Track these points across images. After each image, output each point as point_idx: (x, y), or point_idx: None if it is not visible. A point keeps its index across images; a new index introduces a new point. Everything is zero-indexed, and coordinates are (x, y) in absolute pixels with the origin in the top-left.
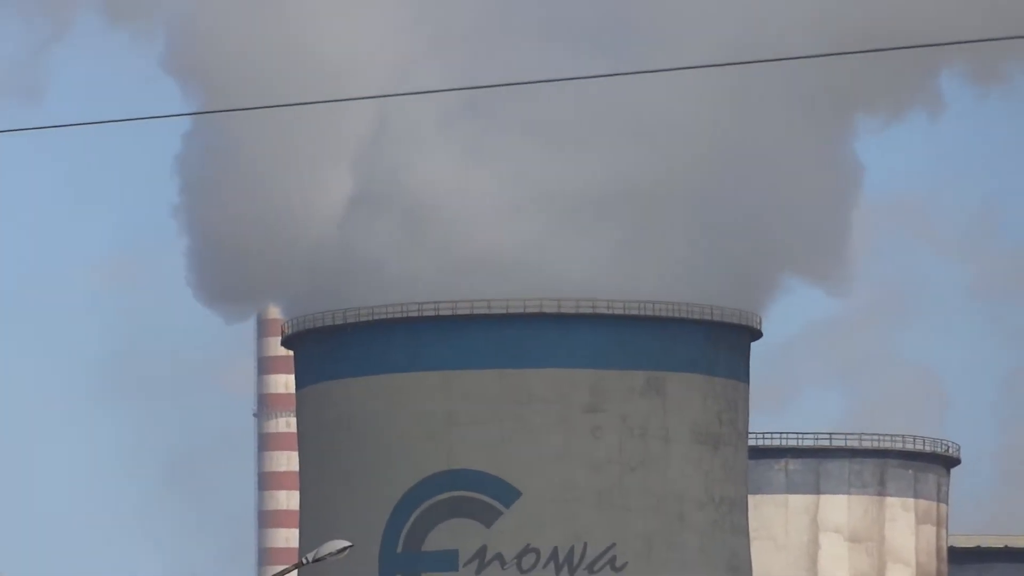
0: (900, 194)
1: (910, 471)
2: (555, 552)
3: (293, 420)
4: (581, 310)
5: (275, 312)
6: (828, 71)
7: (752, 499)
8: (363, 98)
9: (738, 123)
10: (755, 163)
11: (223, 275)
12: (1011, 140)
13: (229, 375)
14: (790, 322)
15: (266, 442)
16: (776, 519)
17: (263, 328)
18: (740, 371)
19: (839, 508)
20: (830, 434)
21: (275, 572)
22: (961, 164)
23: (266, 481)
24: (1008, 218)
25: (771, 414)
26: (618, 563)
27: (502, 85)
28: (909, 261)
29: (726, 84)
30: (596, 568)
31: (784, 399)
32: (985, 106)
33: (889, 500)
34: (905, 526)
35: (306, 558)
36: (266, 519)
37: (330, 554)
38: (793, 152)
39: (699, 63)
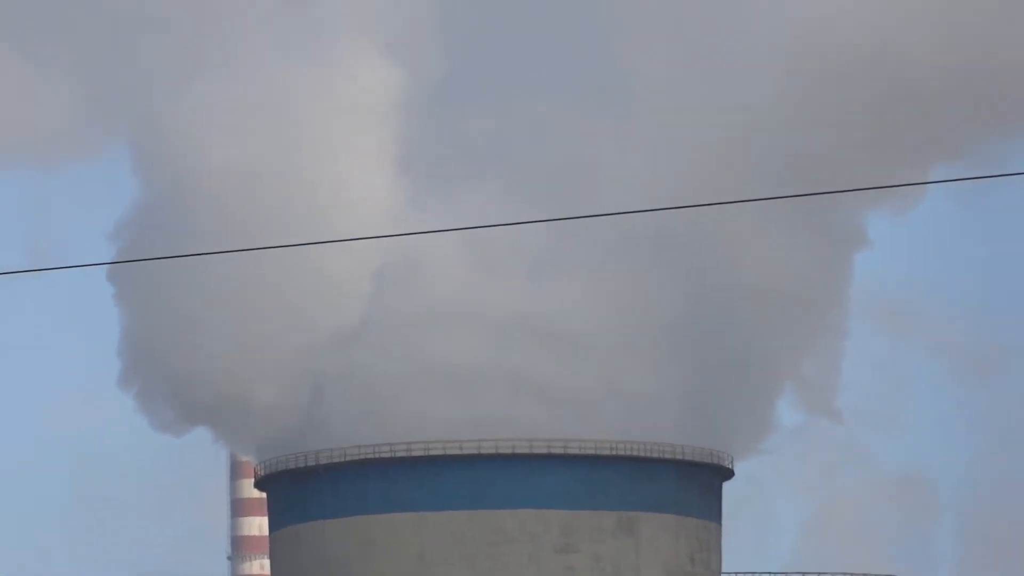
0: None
1: None
2: None
3: (267, 562)
4: (552, 451)
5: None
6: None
7: None
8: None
9: (709, 261)
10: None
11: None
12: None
13: (203, 518)
14: (764, 460)
15: None
16: None
17: (236, 471)
18: (712, 511)
19: None
20: (800, 574)
21: None
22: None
23: None
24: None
25: (744, 553)
26: None
27: (492, 225)
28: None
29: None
30: None
31: (758, 536)
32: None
33: None
34: None
35: None
36: None
37: None
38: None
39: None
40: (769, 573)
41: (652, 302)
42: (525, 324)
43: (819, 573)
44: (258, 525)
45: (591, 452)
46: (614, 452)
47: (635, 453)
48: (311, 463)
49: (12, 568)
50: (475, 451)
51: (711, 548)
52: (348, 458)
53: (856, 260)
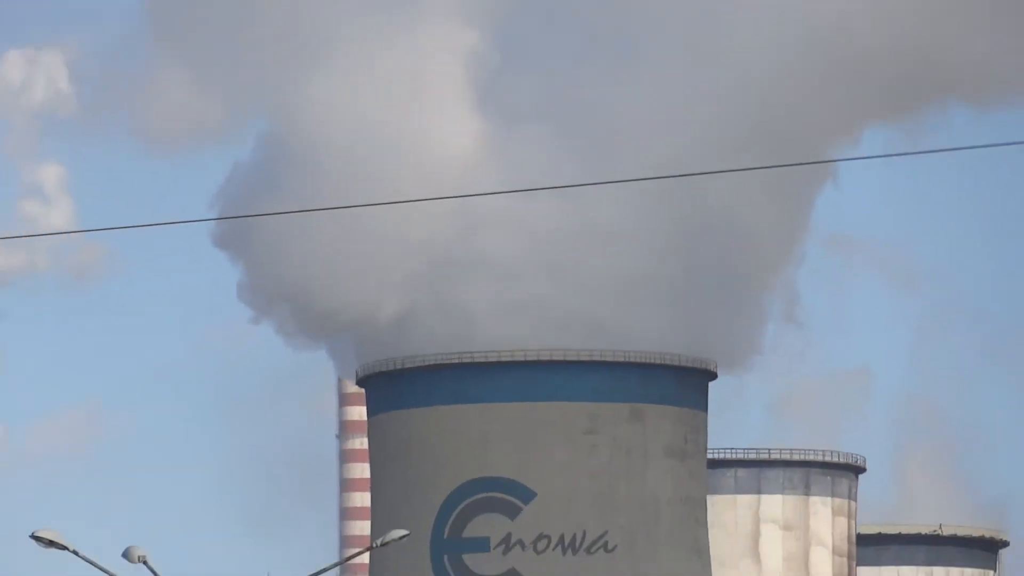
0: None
1: (828, 477)
2: (562, 538)
3: (366, 440)
4: (582, 358)
5: (350, 386)
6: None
7: (709, 499)
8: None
9: (706, 202)
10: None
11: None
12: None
13: (317, 409)
14: (748, 364)
15: (346, 456)
16: (727, 514)
17: (343, 399)
18: (701, 404)
19: (775, 505)
20: (768, 450)
21: (353, 553)
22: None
23: (346, 485)
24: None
25: (724, 434)
26: (609, 547)
27: (557, 187)
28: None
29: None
30: (593, 551)
31: (735, 423)
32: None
33: (812, 499)
34: (824, 518)
35: (376, 543)
36: (346, 514)
37: (393, 540)
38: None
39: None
40: (743, 449)
41: (658, 241)
42: (565, 261)
43: (783, 449)
44: (359, 412)
45: (610, 359)
46: (627, 360)
47: (643, 360)
48: (398, 367)
49: (174, 452)
50: (524, 358)
51: (700, 431)
52: (427, 363)
53: (817, 199)
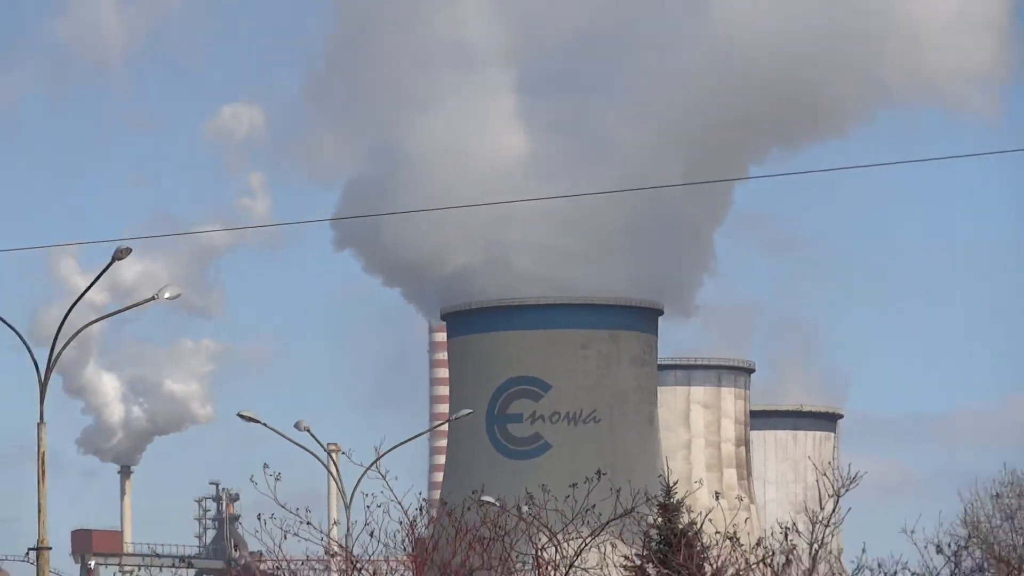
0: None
1: (732, 375)
2: (568, 414)
3: (446, 353)
4: (579, 302)
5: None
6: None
7: (659, 389)
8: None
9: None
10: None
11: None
12: None
13: (418, 335)
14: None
15: (434, 363)
16: (670, 398)
17: (432, 327)
18: (654, 330)
19: (699, 393)
20: (695, 358)
21: (437, 424)
22: None
23: (434, 383)
24: None
25: (669, 348)
26: (597, 419)
27: (600, 193)
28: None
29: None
30: (587, 422)
31: (675, 342)
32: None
33: (723, 389)
34: (729, 400)
35: (452, 416)
36: (434, 400)
37: (462, 416)
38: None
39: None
40: (676, 358)
41: (628, 230)
42: (568, 238)
43: (704, 358)
44: (442, 336)
45: (598, 302)
46: (607, 303)
47: (618, 303)
48: (465, 307)
49: (319, 361)
50: (543, 302)
51: (653, 348)
52: (483, 304)
53: (737, 190)
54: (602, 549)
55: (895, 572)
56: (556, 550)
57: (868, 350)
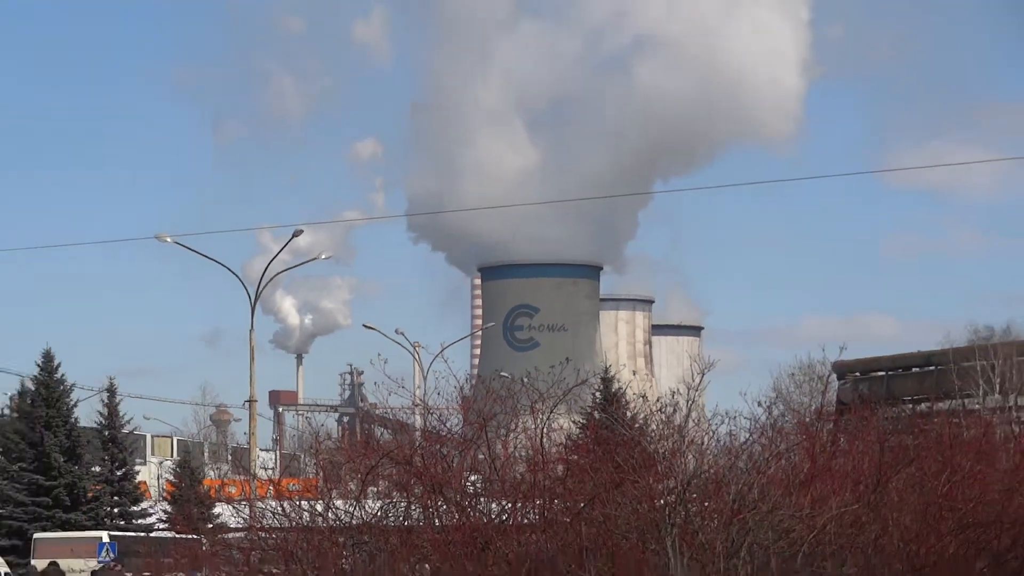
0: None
1: (642, 304)
2: (549, 326)
3: (480, 292)
4: (557, 262)
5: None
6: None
7: (601, 312)
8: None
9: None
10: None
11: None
12: None
13: (457, 283)
14: (615, 263)
15: (473, 297)
16: (606, 318)
17: (472, 288)
18: (597, 277)
19: (623, 315)
20: (620, 295)
21: (477, 330)
22: None
23: (473, 309)
24: None
25: (606, 288)
26: (565, 328)
27: (615, 196)
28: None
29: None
30: (559, 330)
31: (610, 284)
32: None
33: (636, 312)
34: (641, 319)
35: (485, 326)
36: (473, 319)
37: (487, 327)
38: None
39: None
40: (613, 295)
41: (588, 206)
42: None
43: (629, 295)
44: (478, 282)
45: (566, 262)
46: (572, 263)
47: (578, 263)
48: (486, 264)
49: None
50: (532, 260)
51: (597, 289)
52: (497, 263)
53: (652, 197)
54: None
55: (734, 416)
56: (540, 404)
57: (724, 290)
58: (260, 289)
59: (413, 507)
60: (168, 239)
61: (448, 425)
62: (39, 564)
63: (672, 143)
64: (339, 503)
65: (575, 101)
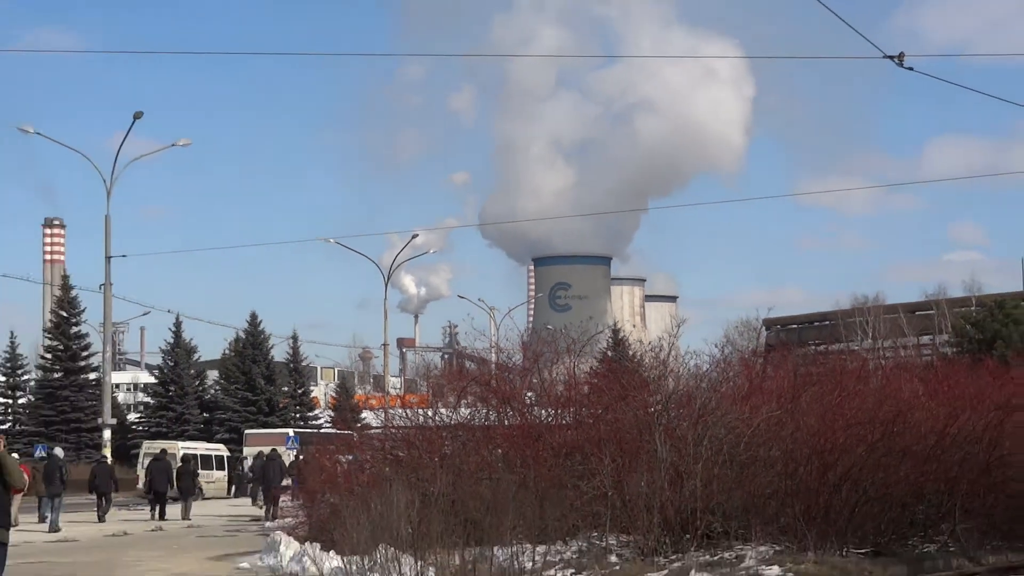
0: None
1: (639, 282)
2: (577, 295)
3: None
4: (581, 254)
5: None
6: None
7: (611, 287)
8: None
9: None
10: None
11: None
12: None
13: (520, 266)
14: (621, 255)
15: (528, 275)
16: (615, 293)
17: (528, 274)
18: (608, 264)
19: (625, 290)
20: (623, 276)
21: (530, 299)
22: None
23: (528, 289)
24: None
25: (614, 271)
26: (587, 297)
27: (628, 211)
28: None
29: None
30: (584, 299)
31: (615, 269)
32: None
33: (635, 287)
34: (638, 293)
35: (536, 295)
36: (528, 295)
37: (538, 296)
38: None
39: None
40: (618, 276)
41: (604, 218)
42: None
43: (629, 276)
44: (532, 268)
45: (587, 254)
46: (591, 254)
47: (595, 255)
48: (536, 256)
49: None
50: (562, 253)
51: (608, 272)
52: (548, 254)
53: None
54: (591, 349)
55: (699, 354)
56: (573, 347)
57: (693, 271)
58: (391, 272)
59: (490, 413)
60: (331, 240)
61: (513, 360)
62: (248, 451)
63: (659, 174)
64: (442, 410)
65: (595, 144)
